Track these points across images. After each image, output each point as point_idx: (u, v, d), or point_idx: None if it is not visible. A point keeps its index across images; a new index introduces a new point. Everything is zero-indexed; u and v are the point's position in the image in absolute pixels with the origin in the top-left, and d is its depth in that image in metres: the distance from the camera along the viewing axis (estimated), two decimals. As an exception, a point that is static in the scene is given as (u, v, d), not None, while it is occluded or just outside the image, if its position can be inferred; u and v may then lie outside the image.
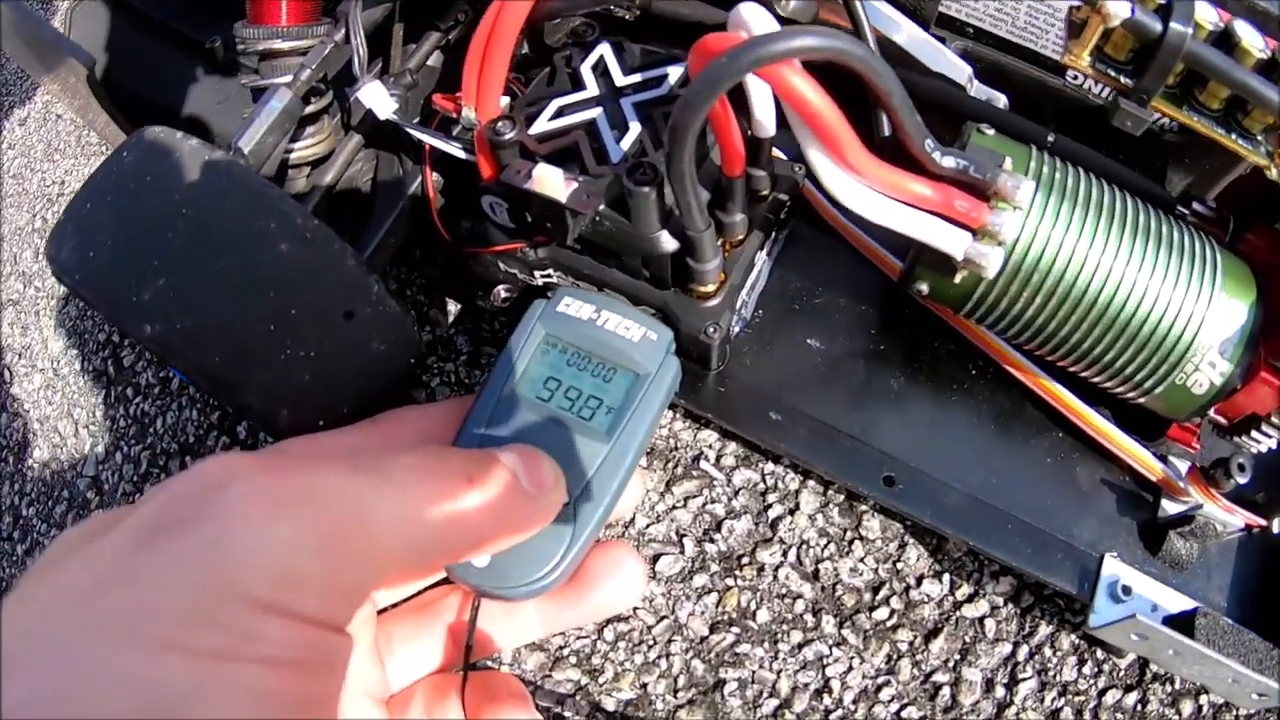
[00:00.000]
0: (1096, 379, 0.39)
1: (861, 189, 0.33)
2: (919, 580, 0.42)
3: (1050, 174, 0.37)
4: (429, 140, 0.39)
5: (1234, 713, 0.43)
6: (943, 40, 0.47)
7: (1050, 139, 0.43)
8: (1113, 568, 0.40)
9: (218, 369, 0.34)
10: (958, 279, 0.37)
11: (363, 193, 0.44)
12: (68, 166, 0.67)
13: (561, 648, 0.41)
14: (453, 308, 0.49)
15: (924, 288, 0.38)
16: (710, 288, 0.37)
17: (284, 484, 0.21)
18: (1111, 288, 0.36)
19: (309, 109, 0.42)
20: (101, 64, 0.54)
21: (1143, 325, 0.36)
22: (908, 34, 0.44)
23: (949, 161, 0.34)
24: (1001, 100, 0.45)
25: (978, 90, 0.45)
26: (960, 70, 0.44)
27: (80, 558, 0.21)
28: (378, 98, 0.39)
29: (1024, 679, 0.42)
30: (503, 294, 0.40)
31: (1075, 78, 0.43)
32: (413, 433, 0.33)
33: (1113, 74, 0.36)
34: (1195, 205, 0.43)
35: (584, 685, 0.40)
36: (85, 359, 0.56)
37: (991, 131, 0.38)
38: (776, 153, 0.40)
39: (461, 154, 0.38)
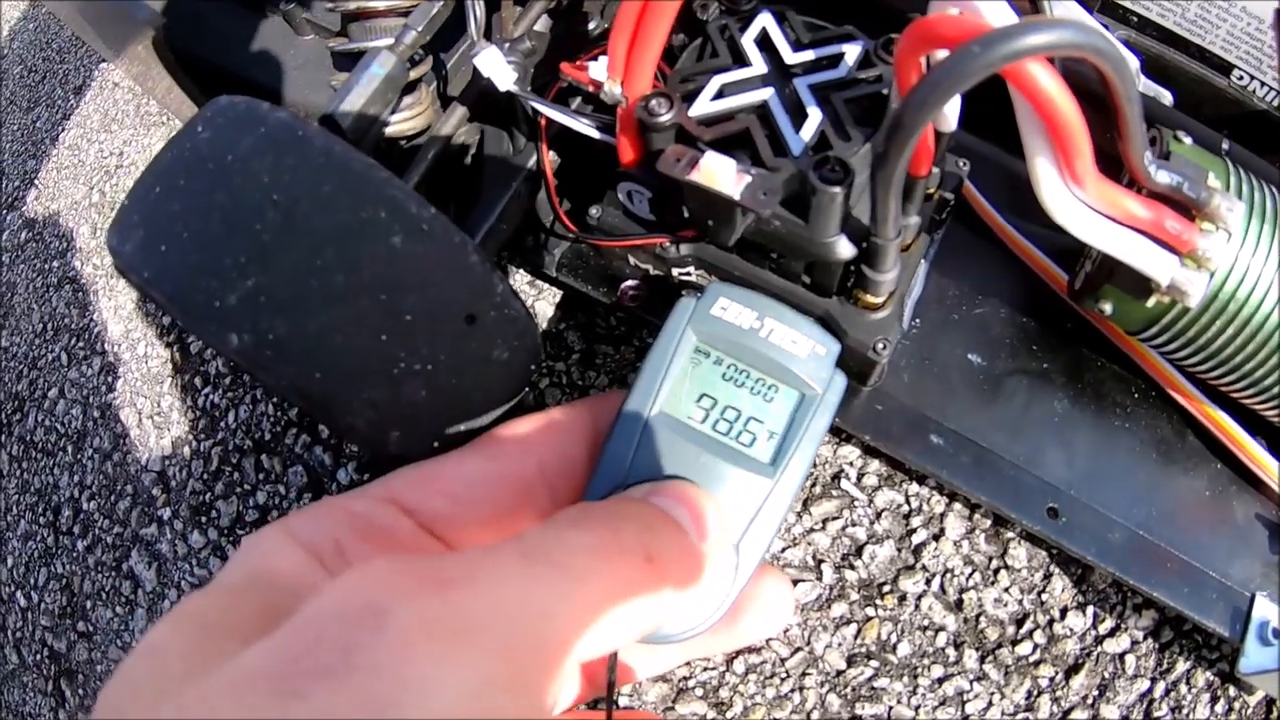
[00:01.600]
0: (1269, 412, 0.32)
1: (1077, 204, 0.26)
2: (1063, 613, 0.34)
3: (1250, 192, 0.29)
4: (558, 116, 0.30)
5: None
6: (1107, 28, 0.38)
7: (1225, 145, 0.34)
8: (1263, 609, 0.33)
9: (318, 386, 0.26)
10: (1150, 302, 0.29)
11: (467, 172, 0.35)
12: (126, 137, 0.57)
13: (686, 678, 0.33)
14: (559, 297, 0.40)
15: (1108, 308, 0.30)
16: (882, 298, 0.29)
17: (457, 606, 0.15)
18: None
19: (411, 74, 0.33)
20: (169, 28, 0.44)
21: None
22: (1067, 14, 0.35)
23: (1164, 177, 0.26)
24: (1168, 97, 0.37)
25: (1145, 85, 0.36)
26: (1129, 61, 0.36)
27: (183, 705, 0.13)
28: (496, 66, 0.30)
29: (1159, 716, 0.35)
30: (631, 292, 0.32)
31: (1241, 78, 0.35)
32: (538, 458, 0.25)
33: None
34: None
35: None
36: (149, 344, 0.48)
37: (1189, 140, 0.30)
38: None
39: (596, 134, 0.29)
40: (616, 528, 0.20)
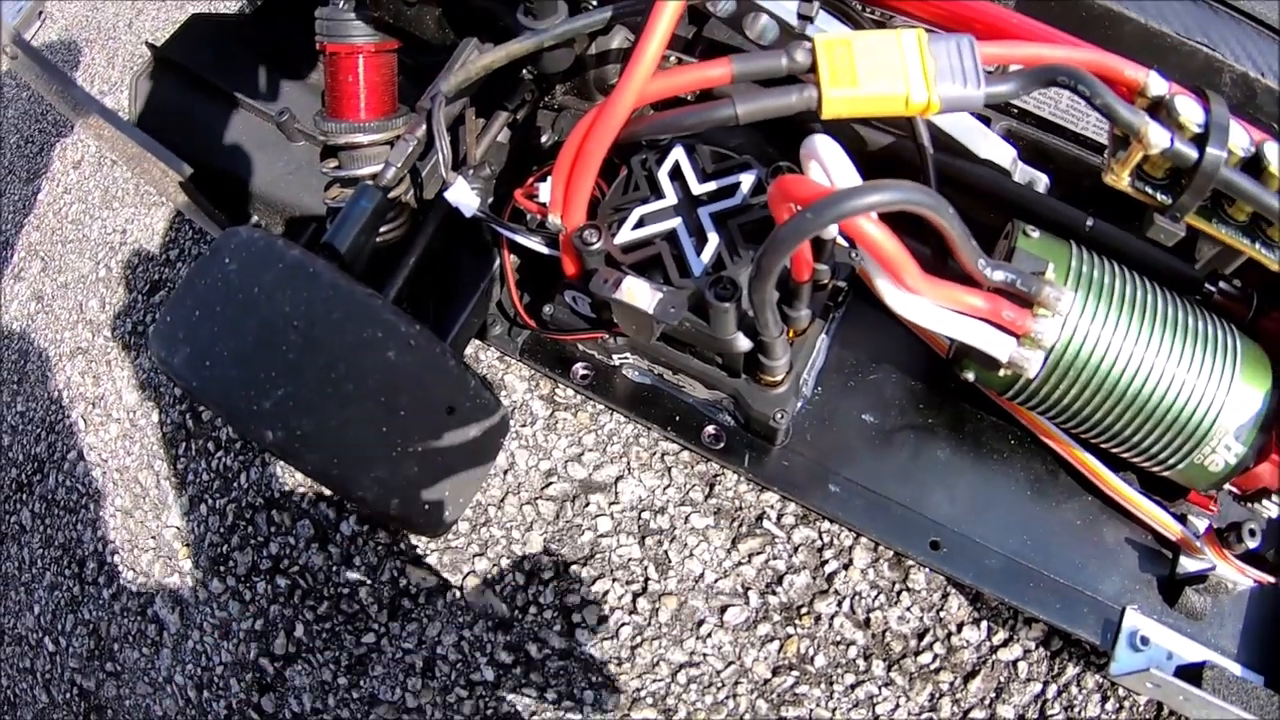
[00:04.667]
0: (1124, 455, 0.43)
1: (918, 304, 0.37)
2: (960, 627, 0.46)
3: (1089, 273, 0.40)
4: (514, 237, 0.42)
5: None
6: (988, 121, 0.49)
7: (1089, 224, 0.46)
8: (1133, 620, 0.44)
9: (336, 469, 0.37)
10: (1002, 373, 0.40)
11: (438, 268, 0.47)
12: (128, 215, 0.69)
13: (639, 689, 0.45)
14: (526, 371, 0.52)
15: (970, 375, 0.41)
16: (779, 378, 0.40)
17: None
18: (1141, 379, 0.39)
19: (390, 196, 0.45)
20: (164, 128, 0.56)
21: (1167, 412, 0.39)
22: (953, 119, 0.46)
23: (999, 275, 0.37)
24: (1044, 181, 0.48)
25: (1021, 173, 0.48)
26: (1005, 153, 0.47)
27: None
28: (464, 196, 0.42)
29: (1052, 715, 0.46)
30: (581, 372, 0.44)
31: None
32: None
33: (1151, 192, 0.38)
34: (1221, 284, 0.46)
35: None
36: (163, 411, 0.59)
37: (1037, 234, 0.41)
38: (838, 240, 0.43)
39: (545, 250, 0.41)
40: None
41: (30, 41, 0.43)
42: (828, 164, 0.33)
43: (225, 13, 0.60)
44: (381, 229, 0.46)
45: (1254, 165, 0.36)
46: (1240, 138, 0.36)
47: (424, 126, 0.43)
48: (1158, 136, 0.35)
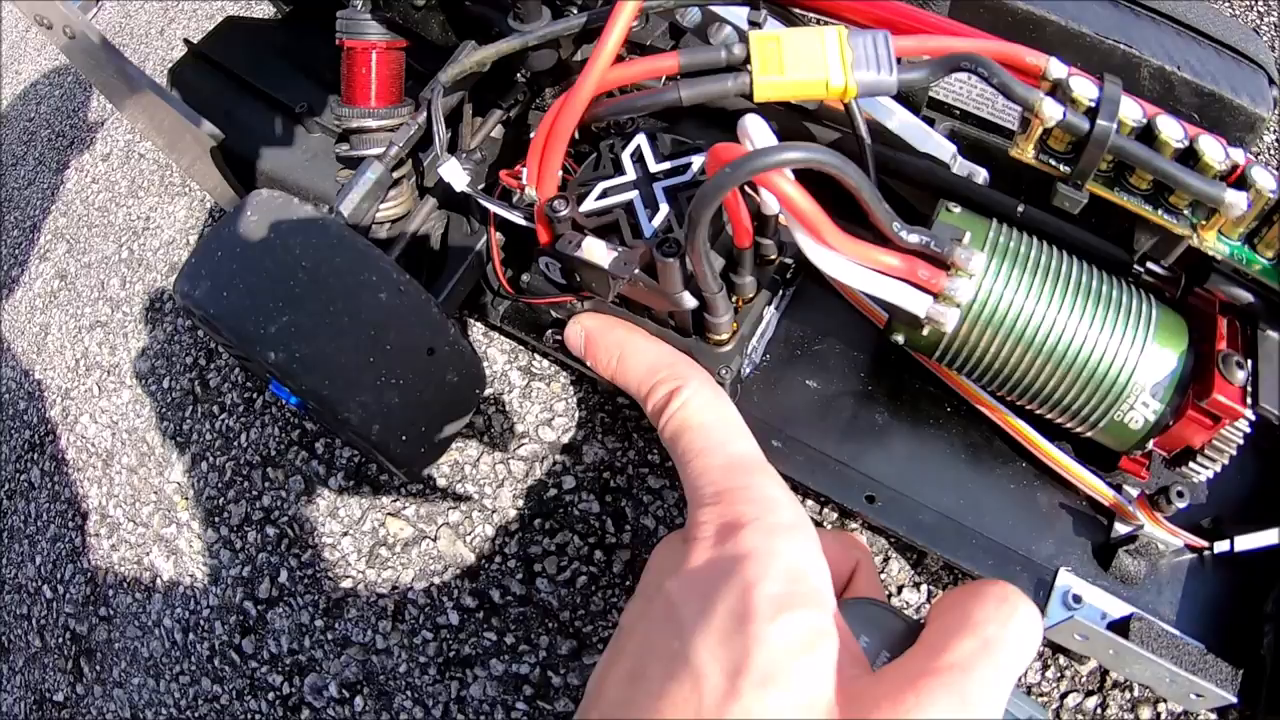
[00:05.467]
0: (1050, 415, 0.50)
1: (840, 260, 0.44)
2: (899, 589, 0.52)
3: (1005, 243, 0.48)
4: (496, 210, 0.51)
5: (1191, 720, 0.52)
6: (932, 122, 0.58)
7: (1020, 209, 0.54)
8: (1066, 579, 0.50)
9: (326, 390, 0.46)
10: (925, 331, 0.48)
11: (435, 246, 0.57)
12: (152, 203, 0.81)
13: (590, 634, 0.52)
14: (507, 345, 0.61)
15: (899, 338, 0.49)
16: (724, 336, 0.48)
17: None
18: (1055, 337, 0.46)
19: (394, 174, 0.55)
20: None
21: (1083, 369, 0.46)
22: (899, 119, 0.56)
23: (913, 238, 0.45)
24: (982, 174, 0.56)
25: (961, 166, 0.56)
26: (945, 149, 0.56)
27: None
28: (455, 174, 0.52)
29: (991, 680, 0.52)
30: (553, 337, 0.53)
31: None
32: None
33: (1053, 163, 0.47)
34: (1150, 265, 0.53)
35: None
36: (173, 379, 0.69)
37: (958, 209, 0.49)
38: (783, 220, 0.52)
39: (522, 222, 0.50)
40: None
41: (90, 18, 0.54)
42: (753, 135, 0.42)
43: (257, 17, 0.72)
44: (383, 205, 0.56)
45: (1148, 136, 0.44)
46: (1132, 110, 0.44)
47: (425, 114, 0.54)
48: (1051, 110, 0.43)
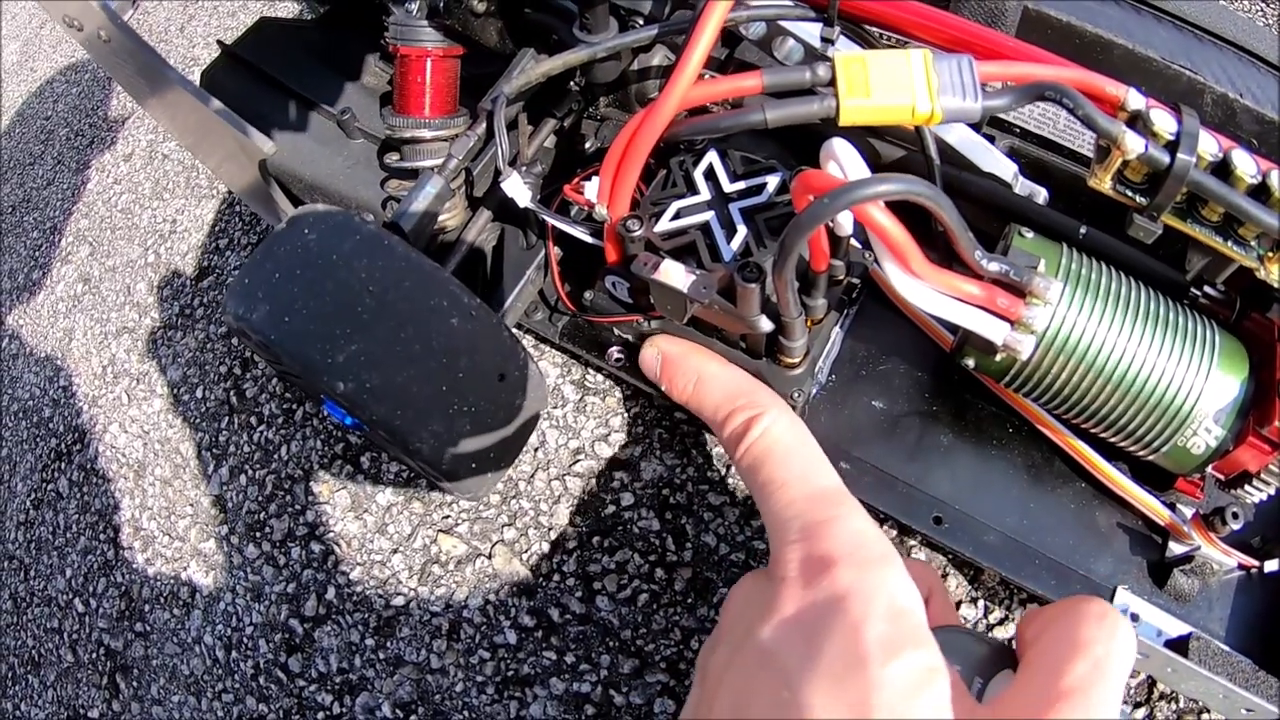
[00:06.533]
0: (1114, 439, 0.50)
1: (923, 288, 0.44)
2: (958, 605, 0.52)
3: (1078, 270, 0.47)
4: (563, 226, 0.49)
5: (1233, 731, 0.52)
6: (992, 139, 0.57)
7: (1082, 231, 0.53)
8: (1124, 598, 0.50)
9: (398, 421, 0.44)
10: (999, 358, 0.47)
11: (490, 259, 0.55)
12: (178, 206, 0.77)
13: (652, 654, 0.51)
14: (558, 358, 0.59)
15: (971, 363, 0.48)
16: (797, 359, 0.47)
17: None
18: (1124, 365, 0.46)
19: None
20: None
21: (1150, 396, 0.46)
22: (959, 135, 0.54)
23: (994, 266, 0.45)
24: (1043, 194, 0.55)
25: (1022, 186, 0.55)
26: (1007, 168, 0.55)
27: None
28: (518, 189, 0.50)
29: (1047, 695, 0.52)
30: (615, 355, 0.51)
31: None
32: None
33: (1129, 194, 0.46)
34: (1206, 288, 0.53)
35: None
36: (206, 388, 0.66)
37: (1031, 234, 0.48)
38: (852, 242, 0.50)
39: (590, 239, 0.49)
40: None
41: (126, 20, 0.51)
42: (843, 161, 0.40)
43: (290, 18, 0.69)
44: (439, 217, 0.54)
45: (1223, 170, 0.44)
46: (1209, 145, 0.43)
47: (483, 125, 0.52)
48: (1133, 143, 0.42)
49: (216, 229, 0.75)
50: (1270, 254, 0.46)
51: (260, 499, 0.62)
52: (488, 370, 0.45)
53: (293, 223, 0.48)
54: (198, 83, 0.67)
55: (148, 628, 0.63)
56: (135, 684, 0.62)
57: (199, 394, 0.67)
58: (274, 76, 0.64)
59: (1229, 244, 0.46)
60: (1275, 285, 0.46)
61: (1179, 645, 0.48)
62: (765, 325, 0.46)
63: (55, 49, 1.06)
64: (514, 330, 0.58)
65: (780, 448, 0.39)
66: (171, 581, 0.63)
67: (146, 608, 0.63)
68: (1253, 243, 0.46)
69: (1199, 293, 0.52)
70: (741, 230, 0.46)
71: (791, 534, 0.33)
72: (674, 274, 0.44)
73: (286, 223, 0.48)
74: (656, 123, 0.43)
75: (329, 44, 0.67)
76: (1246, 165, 0.44)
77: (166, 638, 0.62)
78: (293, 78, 0.64)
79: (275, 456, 0.62)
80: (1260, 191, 0.44)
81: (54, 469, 0.70)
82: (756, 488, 0.38)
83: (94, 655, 0.64)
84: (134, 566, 0.65)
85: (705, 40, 0.41)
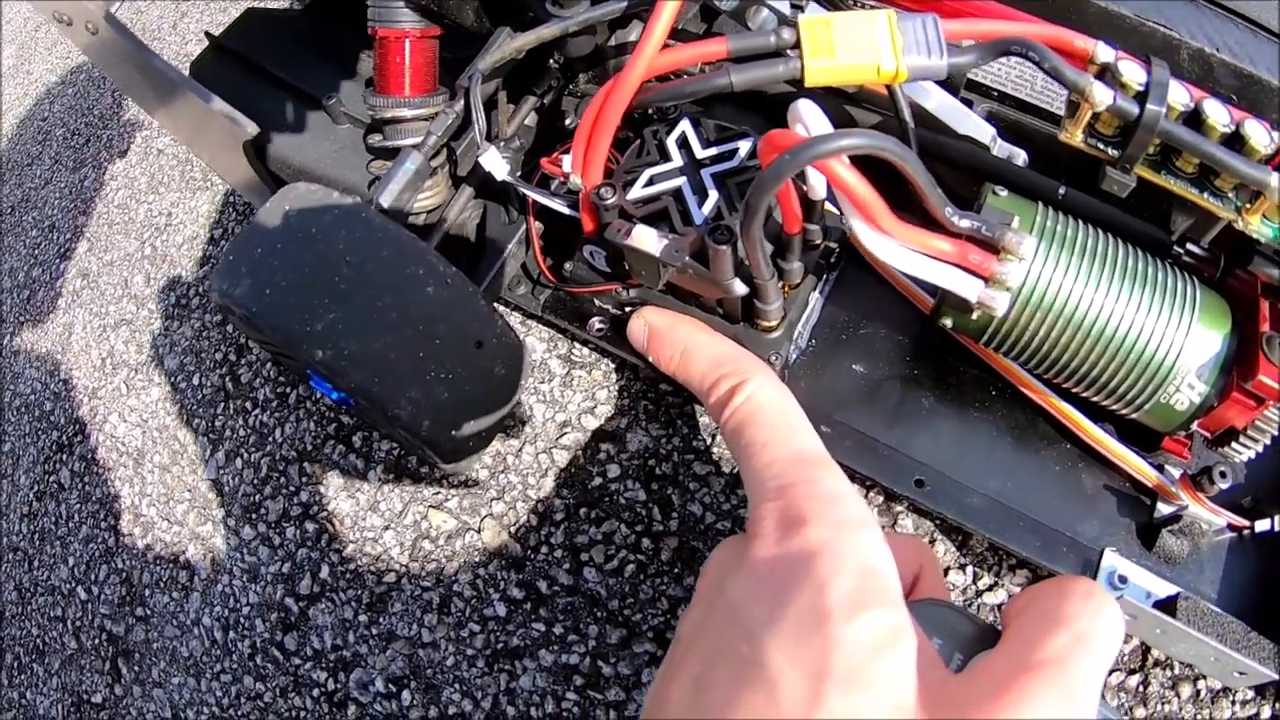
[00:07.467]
0: (1096, 398, 0.49)
1: (893, 245, 0.44)
2: (945, 571, 0.51)
3: (1053, 227, 0.47)
4: (539, 198, 0.50)
5: (1231, 696, 0.52)
6: (970, 103, 0.57)
7: (1061, 191, 0.53)
8: (1112, 560, 0.49)
9: (376, 387, 0.45)
10: (975, 316, 0.47)
11: (472, 236, 0.55)
12: (173, 199, 0.79)
13: (640, 623, 0.51)
14: (545, 333, 0.60)
15: (948, 322, 0.48)
16: (773, 323, 0.48)
17: None
18: (1103, 321, 0.45)
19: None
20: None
21: (1130, 352, 0.46)
22: (937, 100, 0.55)
23: (965, 223, 0.45)
24: (1021, 156, 0.55)
25: (1000, 148, 0.55)
26: (984, 131, 0.55)
27: None
28: (495, 163, 0.51)
29: (1038, 659, 0.52)
30: (597, 325, 0.51)
31: (1084, 134, 0.53)
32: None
33: (1101, 147, 0.46)
34: (1189, 246, 0.53)
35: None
36: (203, 375, 0.68)
37: (1005, 193, 0.48)
38: (828, 206, 0.51)
39: (567, 210, 0.49)
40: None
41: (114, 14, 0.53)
42: (807, 120, 0.41)
43: (276, 8, 0.70)
44: (420, 195, 0.55)
45: (1195, 120, 0.43)
46: (1180, 95, 0.43)
47: (462, 103, 0.52)
48: (1101, 94, 0.42)
49: (211, 220, 0.77)
50: (1247, 205, 0.45)
51: (256, 481, 0.63)
52: (465, 337, 0.46)
53: (275, 200, 0.49)
54: (187, 73, 0.68)
55: (148, 611, 0.64)
56: (136, 668, 0.63)
57: (195, 381, 0.69)
58: (261, 66, 0.66)
59: (1205, 195, 0.46)
60: (1254, 236, 0.46)
61: (1167, 606, 0.47)
62: (739, 288, 0.46)
63: (51, 51, 1.09)
64: (499, 305, 0.59)
65: (764, 412, 0.39)
66: (170, 565, 0.65)
67: (147, 592, 0.64)
68: (1230, 194, 0.46)
69: (1183, 250, 0.52)
70: (713, 195, 0.46)
71: (768, 493, 0.34)
72: (646, 239, 0.45)
73: (270, 202, 0.49)
74: (624, 90, 0.43)
75: (316, 32, 0.68)
76: (1219, 114, 0.44)
77: (166, 621, 0.63)
78: (280, 66, 0.66)
79: (270, 439, 0.63)
80: (1234, 141, 0.44)
81: (56, 460, 0.72)
82: (739, 451, 0.38)
83: (96, 641, 0.65)
84: (134, 552, 0.67)
85: (670, 7, 0.42)
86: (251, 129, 0.54)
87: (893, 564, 0.30)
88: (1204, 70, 0.51)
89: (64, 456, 0.72)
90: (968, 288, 0.45)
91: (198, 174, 0.80)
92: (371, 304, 0.45)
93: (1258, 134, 0.43)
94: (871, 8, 0.51)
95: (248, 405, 0.66)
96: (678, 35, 0.60)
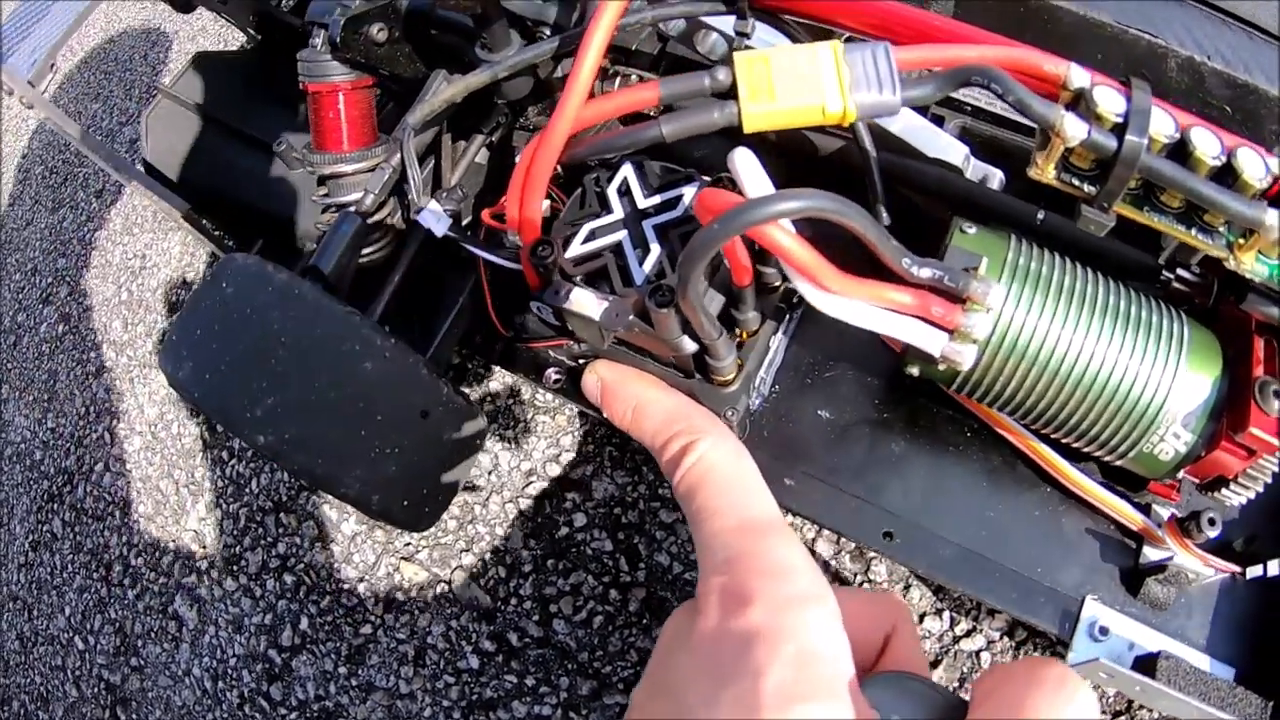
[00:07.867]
0: (1076, 444, 0.46)
1: (841, 303, 0.41)
2: (921, 617, 0.50)
3: (1025, 264, 0.43)
4: (480, 254, 0.48)
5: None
6: (941, 120, 0.53)
7: (1040, 217, 0.49)
8: (1093, 609, 0.47)
9: (320, 469, 0.44)
10: (941, 367, 0.44)
11: (427, 289, 0.54)
12: (147, 240, 0.79)
13: (609, 675, 0.51)
14: (510, 380, 0.59)
15: (914, 371, 0.46)
16: (729, 377, 0.46)
17: None
18: (1081, 366, 0.42)
19: (373, 219, 0.52)
20: (177, 162, 0.65)
21: (1111, 399, 0.43)
22: (904, 122, 0.51)
23: (925, 272, 0.41)
24: (998, 177, 0.51)
25: (975, 169, 0.51)
26: (957, 151, 0.51)
27: None
28: (434, 220, 0.49)
29: (1022, 703, 0.50)
30: (553, 376, 0.50)
31: (1067, 146, 0.49)
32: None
33: (1076, 183, 0.42)
34: (1180, 271, 0.49)
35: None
36: (181, 424, 0.68)
37: (973, 229, 0.45)
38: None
39: (510, 265, 0.47)
40: None
41: (43, 93, 0.52)
42: (742, 176, 0.38)
43: (228, 50, 0.69)
44: (365, 250, 0.53)
45: (1180, 150, 0.39)
46: (1164, 124, 0.38)
47: (399, 156, 0.50)
48: (1074, 128, 0.37)
49: (182, 262, 0.76)
50: (1240, 241, 0.41)
51: (235, 532, 0.63)
52: (409, 409, 0.45)
53: (214, 275, 0.48)
54: (143, 125, 0.67)
55: (142, 661, 0.65)
56: (134, 716, 0.65)
57: (174, 430, 0.69)
58: (212, 115, 0.64)
59: (1194, 233, 0.42)
60: (1247, 276, 0.42)
61: (1147, 665, 0.45)
62: (688, 346, 0.44)
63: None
64: (452, 361, 0.58)
65: (714, 475, 0.37)
66: (160, 616, 0.66)
67: (139, 642, 0.66)
68: (1220, 229, 0.41)
69: (1172, 276, 0.48)
70: (655, 249, 0.44)
71: (716, 565, 0.32)
72: (586, 302, 0.43)
73: (210, 275, 0.48)
74: (550, 147, 0.41)
75: (265, 75, 0.66)
76: (1208, 145, 0.39)
77: (159, 670, 0.64)
78: (232, 114, 0.64)
79: (246, 490, 0.64)
80: (1225, 173, 0.39)
81: (48, 510, 0.73)
82: (690, 516, 0.37)
83: (96, 690, 0.67)
84: (125, 602, 0.68)
85: (591, 59, 0.39)
86: (183, 207, 0.53)
87: (842, 642, 0.29)
88: (1194, 81, 0.47)
89: (55, 506, 0.74)
90: (931, 341, 0.42)
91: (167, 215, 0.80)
92: (309, 384, 0.44)
93: (1252, 165, 0.38)
94: (827, 35, 0.48)
95: (224, 455, 0.66)
96: (628, 57, 0.57)
